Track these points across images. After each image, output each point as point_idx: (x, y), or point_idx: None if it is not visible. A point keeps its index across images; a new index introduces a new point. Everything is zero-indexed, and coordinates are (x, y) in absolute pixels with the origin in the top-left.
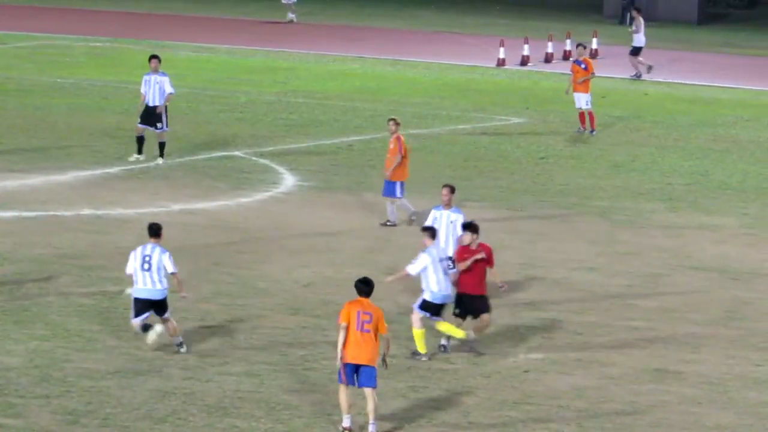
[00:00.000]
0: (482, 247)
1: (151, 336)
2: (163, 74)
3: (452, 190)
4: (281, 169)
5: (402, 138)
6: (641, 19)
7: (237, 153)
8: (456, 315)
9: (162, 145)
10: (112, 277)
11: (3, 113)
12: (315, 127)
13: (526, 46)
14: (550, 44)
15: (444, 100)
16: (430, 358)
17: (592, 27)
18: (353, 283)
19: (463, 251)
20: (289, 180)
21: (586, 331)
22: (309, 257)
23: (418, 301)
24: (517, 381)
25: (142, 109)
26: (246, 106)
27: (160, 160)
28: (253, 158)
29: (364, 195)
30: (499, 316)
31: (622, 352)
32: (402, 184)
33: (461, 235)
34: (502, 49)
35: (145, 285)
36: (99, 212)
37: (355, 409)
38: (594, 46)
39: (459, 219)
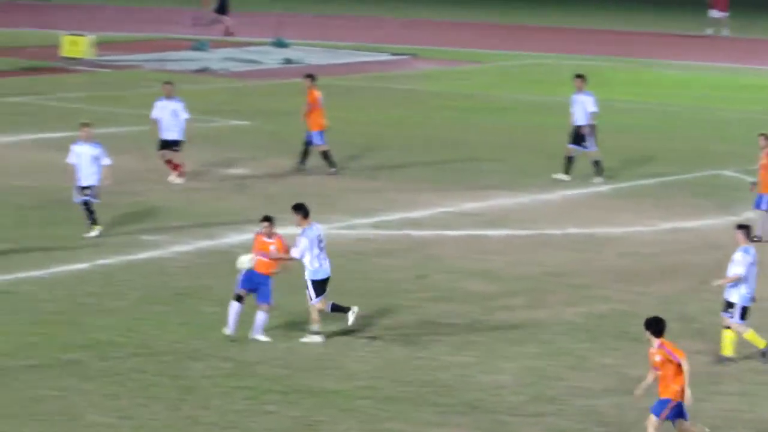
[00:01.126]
0: None
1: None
2: (588, 93)
3: None
4: None
5: None
6: None
7: (726, 171)
8: None
9: (596, 164)
10: (599, 296)
11: (495, 131)
12: None
13: None
14: None
15: None
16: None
17: None
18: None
19: None
20: None
21: None
22: None
23: (738, 310)
24: None
25: (571, 129)
26: (735, 124)
27: (596, 179)
28: (743, 176)
29: None
30: None
31: None
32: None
33: None
34: None
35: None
36: (586, 231)
37: None
38: None
39: None
